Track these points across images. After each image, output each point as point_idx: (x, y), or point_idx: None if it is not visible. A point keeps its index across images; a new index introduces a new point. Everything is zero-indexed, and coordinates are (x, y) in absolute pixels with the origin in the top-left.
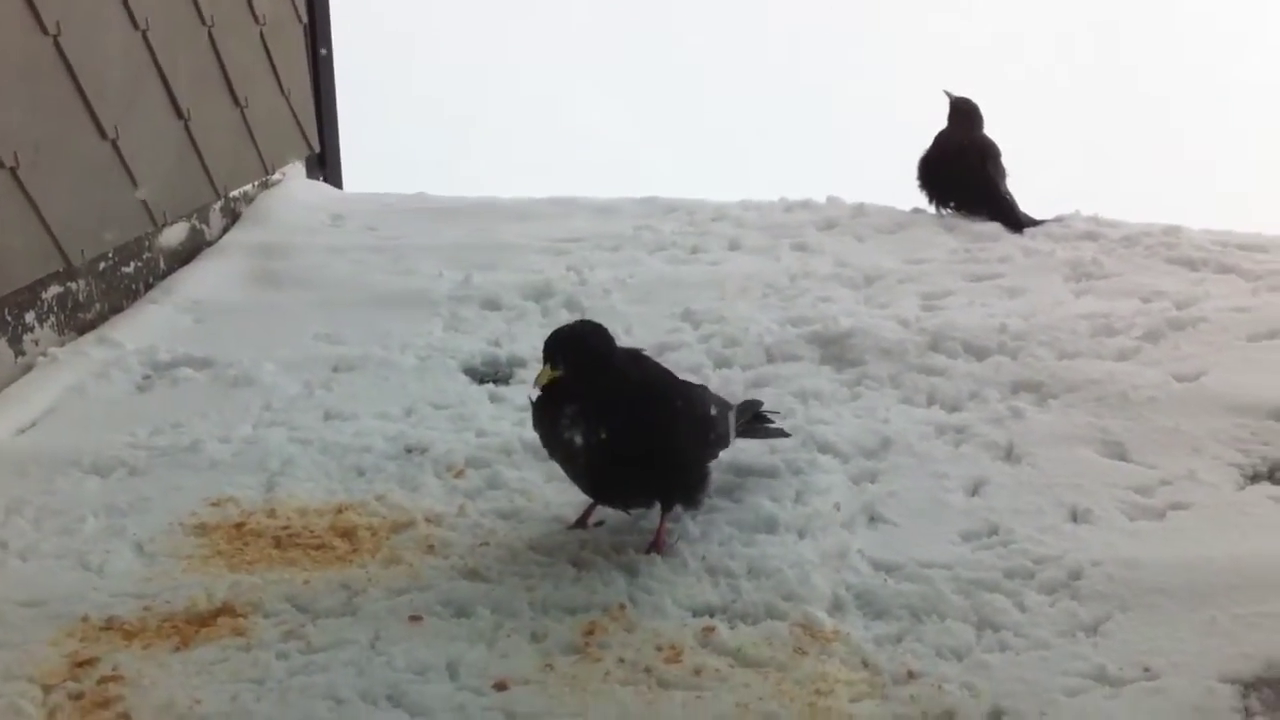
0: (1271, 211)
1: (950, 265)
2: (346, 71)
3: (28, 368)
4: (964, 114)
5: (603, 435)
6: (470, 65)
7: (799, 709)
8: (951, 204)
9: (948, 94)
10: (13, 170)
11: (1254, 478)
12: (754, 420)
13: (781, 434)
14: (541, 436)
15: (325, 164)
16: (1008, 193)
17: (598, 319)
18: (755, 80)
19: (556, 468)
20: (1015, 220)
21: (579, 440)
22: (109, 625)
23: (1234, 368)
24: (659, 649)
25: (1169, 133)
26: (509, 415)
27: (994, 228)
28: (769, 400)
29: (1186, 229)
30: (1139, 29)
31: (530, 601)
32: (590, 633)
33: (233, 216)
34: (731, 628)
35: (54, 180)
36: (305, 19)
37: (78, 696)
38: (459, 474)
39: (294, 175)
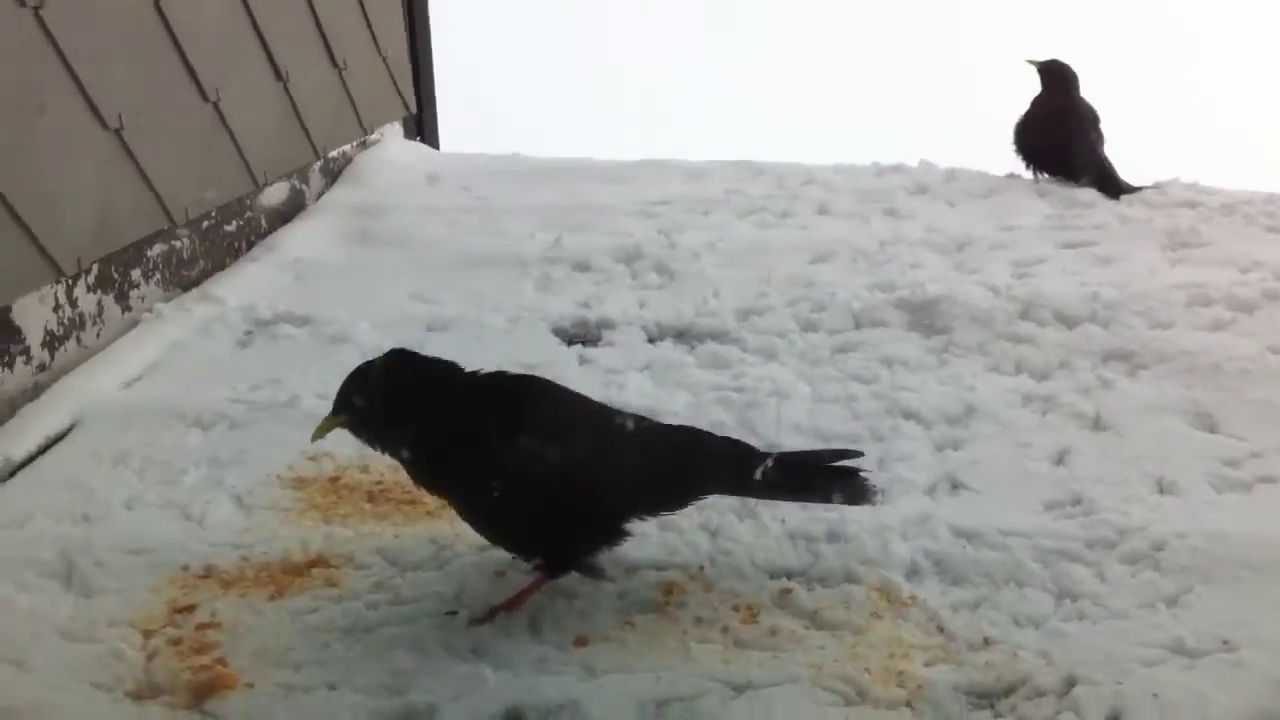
0: None
1: (1043, 232)
2: (444, 32)
3: (134, 323)
4: (1058, 77)
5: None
6: (567, 25)
7: (873, 672)
8: (1048, 170)
9: (1033, 63)
10: (117, 132)
11: None
12: (827, 473)
13: (862, 497)
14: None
15: (422, 125)
16: (1106, 158)
17: (687, 282)
18: (851, 42)
19: None
20: (1114, 186)
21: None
22: (208, 574)
23: None
24: (736, 609)
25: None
26: (597, 376)
27: (1089, 194)
28: (854, 365)
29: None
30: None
31: (611, 560)
32: (670, 592)
33: (332, 177)
34: (809, 590)
35: (157, 141)
36: None
37: (176, 642)
38: None
39: (391, 136)
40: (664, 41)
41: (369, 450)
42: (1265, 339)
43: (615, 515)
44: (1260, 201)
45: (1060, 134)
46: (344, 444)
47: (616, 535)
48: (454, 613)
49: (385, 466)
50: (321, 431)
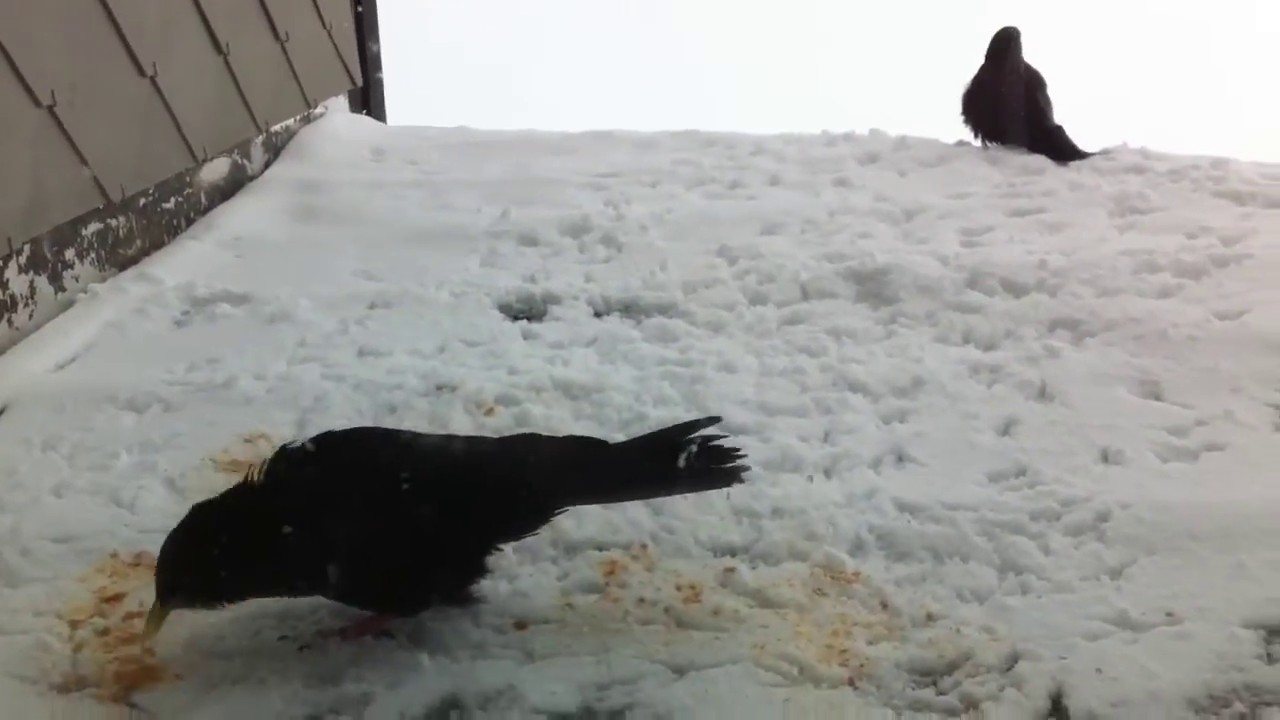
0: None
1: (992, 200)
2: (391, 3)
3: (68, 304)
4: (1004, 42)
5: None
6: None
7: (816, 651)
8: (995, 138)
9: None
10: (50, 109)
11: None
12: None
13: (731, 478)
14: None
15: (368, 97)
16: (1056, 124)
17: (634, 255)
18: (802, 8)
19: (585, 406)
20: (1064, 150)
21: None
22: (137, 561)
23: (1277, 306)
24: (679, 589)
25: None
26: (540, 352)
27: (1039, 161)
28: (801, 338)
29: (1235, 161)
30: None
31: (552, 540)
32: (611, 572)
33: (274, 151)
34: (753, 568)
35: (92, 118)
36: None
37: (104, 632)
38: (489, 411)
39: (336, 109)
40: (614, 10)
41: (306, 430)
42: (1211, 305)
43: (461, 557)
44: (1207, 166)
45: (1006, 99)
46: (279, 424)
47: (475, 572)
48: (286, 638)
49: None
50: (152, 628)
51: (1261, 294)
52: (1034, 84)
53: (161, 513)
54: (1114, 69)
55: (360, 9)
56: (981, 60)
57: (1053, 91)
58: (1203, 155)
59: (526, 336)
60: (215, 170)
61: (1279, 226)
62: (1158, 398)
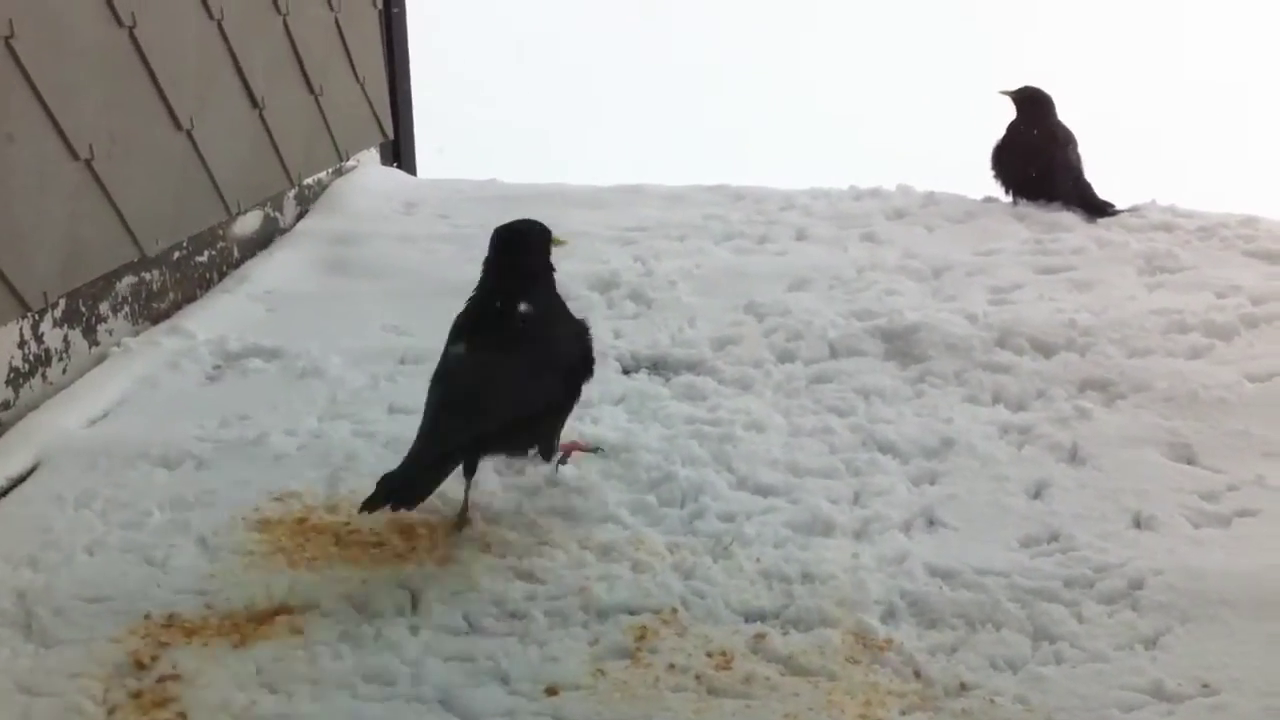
0: None
1: (1021, 256)
2: (424, 57)
3: (101, 358)
4: (1033, 102)
5: None
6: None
7: None
8: (1027, 195)
9: (1006, 93)
10: (88, 162)
11: None
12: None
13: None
14: None
15: (399, 151)
16: (1085, 181)
17: (663, 311)
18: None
19: (614, 465)
20: (1094, 205)
21: None
22: (170, 623)
23: None
24: (710, 655)
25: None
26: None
27: (1067, 218)
28: (830, 396)
29: (1265, 219)
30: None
31: (583, 605)
32: (642, 637)
33: (307, 204)
34: (784, 634)
35: (129, 172)
36: (381, 4)
37: (137, 695)
38: (519, 471)
39: (368, 162)
40: (646, 65)
41: (337, 489)
42: (1242, 366)
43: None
44: (1236, 224)
45: (1039, 160)
46: (310, 483)
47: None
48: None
49: (353, 507)
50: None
51: None
52: (1065, 140)
53: (193, 572)
54: (1144, 125)
55: (393, 62)
56: (1013, 115)
57: (1083, 148)
58: (1232, 213)
59: None
60: (248, 223)
61: None
62: (1189, 461)
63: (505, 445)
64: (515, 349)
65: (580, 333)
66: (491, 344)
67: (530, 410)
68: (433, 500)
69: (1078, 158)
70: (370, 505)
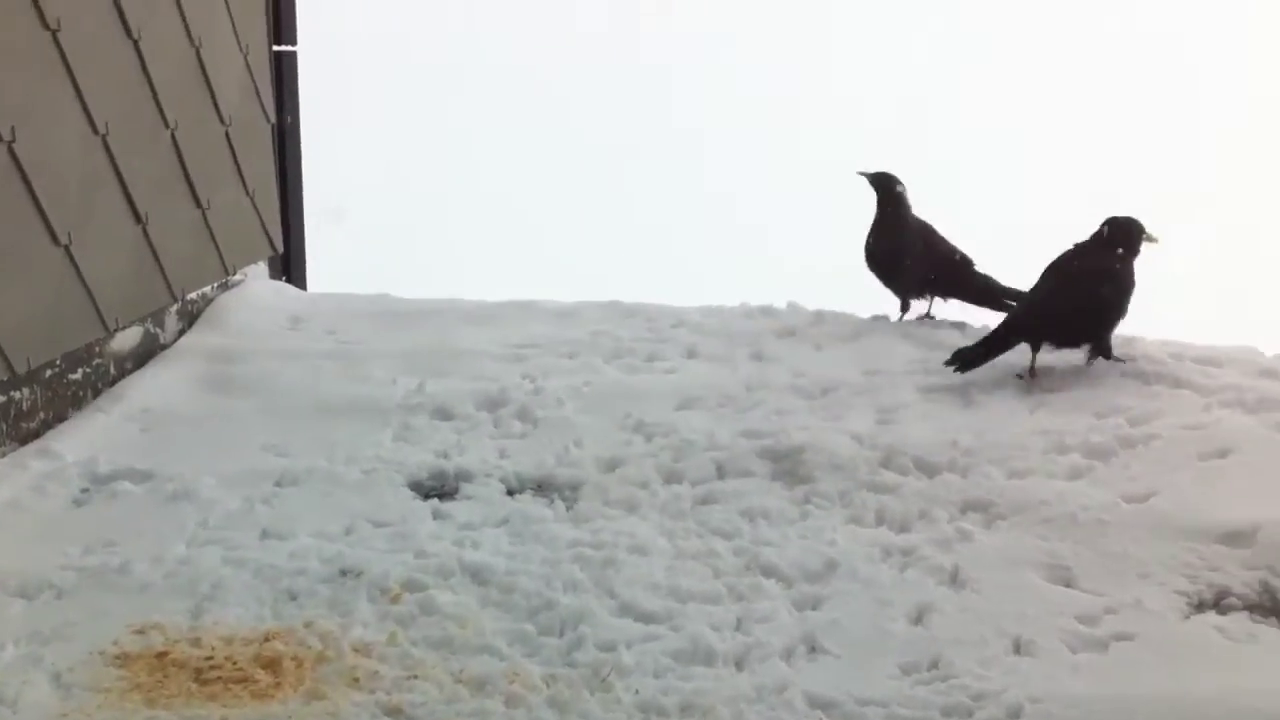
0: (1225, 324)
1: (907, 375)
2: (318, 170)
3: None
4: (889, 193)
5: None
6: (442, 163)
7: None
8: (891, 286)
9: (863, 174)
10: None
11: (1199, 606)
12: None
13: None
14: None
15: (289, 264)
16: (965, 257)
17: (550, 431)
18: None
19: (493, 592)
20: (1000, 299)
21: None
22: None
23: (1184, 488)
24: None
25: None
26: (450, 534)
27: (951, 335)
28: (715, 518)
29: (1142, 340)
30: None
31: None
32: None
33: (190, 319)
34: None
35: (1, 287)
36: (273, 117)
37: None
38: (394, 598)
39: (256, 276)
40: (538, 179)
41: (201, 620)
42: (1120, 488)
43: None
44: (1116, 345)
45: (892, 249)
46: (173, 614)
47: None
48: None
49: (217, 639)
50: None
51: (1168, 476)
52: (925, 231)
53: (43, 711)
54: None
55: (285, 174)
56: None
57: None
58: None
59: (437, 516)
60: (127, 339)
61: (1184, 406)
62: (1068, 584)
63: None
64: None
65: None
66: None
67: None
68: (301, 631)
69: (944, 240)
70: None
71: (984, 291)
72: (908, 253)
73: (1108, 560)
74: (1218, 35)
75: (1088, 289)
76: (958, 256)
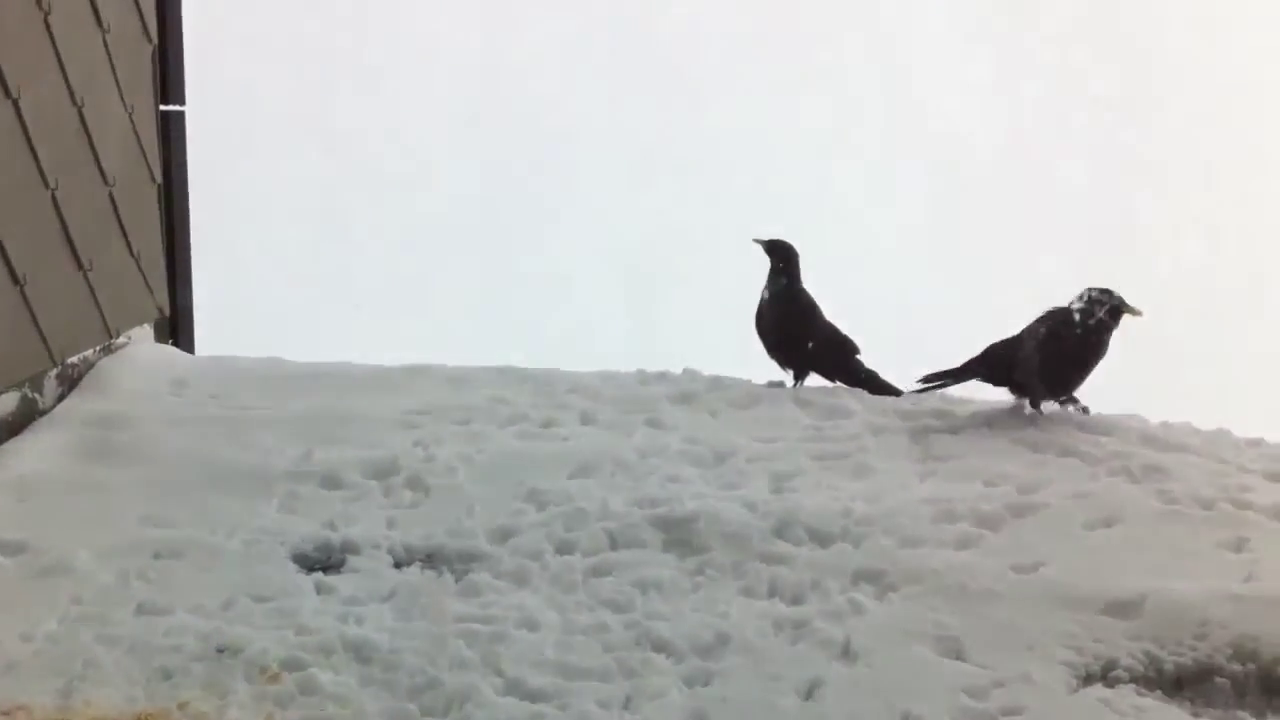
0: (1120, 393)
1: (801, 443)
2: (205, 231)
3: None
4: (785, 261)
5: None
6: (339, 224)
7: None
8: (780, 358)
9: (759, 241)
10: None
11: (1087, 678)
12: None
13: None
14: None
15: (177, 326)
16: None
17: (441, 500)
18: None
19: (376, 670)
20: (884, 388)
21: None
22: None
23: (1071, 558)
24: None
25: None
26: (333, 609)
27: (846, 403)
28: (607, 590)
29: (1031, 409)
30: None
31: None
32: None
33: (70, 383)
34: None
35: None
36: (159, 178)
37: None
38: (272, 678)
39: (140, 339)
40: (436, 244)
41: (70, 700)
42: (1009, 557)
43: None
44: (1005, 413)
45: (778, 318)
46: (40, 694)
47: None
48: None
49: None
50: None
51: (1056, 545)
52: (811, 308)
53: None
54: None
55: (173, 235)
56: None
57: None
58: (1001, 402)
59: (320, 590)
60: (3, 405)
61: (1073, 475)
62: (958, 656)
63: None
64: None
65: None
66: None
67: None
68: (174, 713)
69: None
70: None
71: (866, 379)
72: (795, 324)
73: (997, 631)
74: None
75: (1072, 348)
76: (840, 339)
